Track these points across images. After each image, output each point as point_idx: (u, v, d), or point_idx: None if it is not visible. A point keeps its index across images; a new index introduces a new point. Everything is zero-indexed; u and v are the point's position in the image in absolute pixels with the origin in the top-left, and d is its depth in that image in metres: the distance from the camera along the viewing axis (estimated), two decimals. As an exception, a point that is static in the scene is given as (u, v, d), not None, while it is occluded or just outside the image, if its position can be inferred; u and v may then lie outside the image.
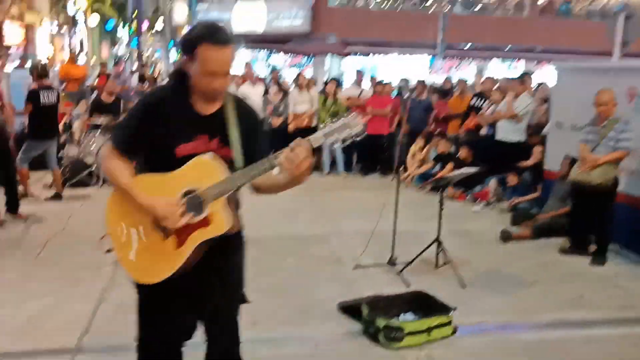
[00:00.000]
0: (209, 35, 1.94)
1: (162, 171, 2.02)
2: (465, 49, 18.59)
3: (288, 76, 18.55)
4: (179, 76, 2.10)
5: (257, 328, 3.63)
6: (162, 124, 2.03)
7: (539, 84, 9.33)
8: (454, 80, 10.72)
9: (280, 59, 20.57)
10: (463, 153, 7.87)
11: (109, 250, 2.11)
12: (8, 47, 24.33)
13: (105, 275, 4.45)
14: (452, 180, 5.41)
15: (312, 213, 6.79)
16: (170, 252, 2.02)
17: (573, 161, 5.79)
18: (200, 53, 1.94)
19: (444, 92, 9.95)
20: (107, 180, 7.26)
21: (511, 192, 7.14)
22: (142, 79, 12.33)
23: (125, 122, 2.18)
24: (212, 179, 1.98)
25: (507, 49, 18.74)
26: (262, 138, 2.22)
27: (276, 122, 9.07)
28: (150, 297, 2.17)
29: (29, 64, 15.18)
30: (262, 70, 19.92)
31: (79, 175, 7.45)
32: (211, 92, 2.02)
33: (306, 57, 19.04)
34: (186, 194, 1.99)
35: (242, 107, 2.16)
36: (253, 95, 9.70)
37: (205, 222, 2.00)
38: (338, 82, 10.38)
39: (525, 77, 8.03)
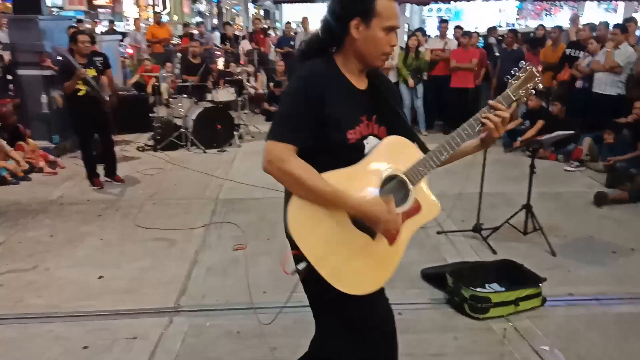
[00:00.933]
0: None
1: (332, 163, 1.73)
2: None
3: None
4: (321, 49, 1.85)
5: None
6: (329, 110, 1.74)
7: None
8: (547, 27, 10.00)
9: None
10: (556, 108, 7.42)
11: (297, 270, 1.77)
12: (97, 8, 25.41)
13: (196, 237, 4.70)
14: (544, 143, 5.12)
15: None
16: (385, 252, 1.80)
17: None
18: (381, 7, 1.74)
19: (535, 41, 9.33)
20: (195, 143, 7.58)
21: (608, 151, 6.68)
22: (224, 38, 12.48)
23: (292, 113, 1.75)
24: (409, 159, 1.82)
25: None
26: (403, 108, 2.05)
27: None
28: (359, 307, 1.84)
29: (119, 28, 15.78)
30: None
31: (169, 137, 7.77)
32: (387, 53, 1.81)
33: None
34: (385, 181, 1.78)
35: (380, 76, 1.95)
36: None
37: (416, 209, 1.84)
38: (422, 33, 10.00)
39: (627, 24, 7.35)
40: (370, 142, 1.83)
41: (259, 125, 9.26)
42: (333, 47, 1.85)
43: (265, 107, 10.30)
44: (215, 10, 28.84)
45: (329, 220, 1.72)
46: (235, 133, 8.14)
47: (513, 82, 1.88)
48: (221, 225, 4.96)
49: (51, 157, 6.91)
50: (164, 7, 32.64)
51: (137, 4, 30.46)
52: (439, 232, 4.75)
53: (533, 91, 1.89)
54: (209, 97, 8.10)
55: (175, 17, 33.58)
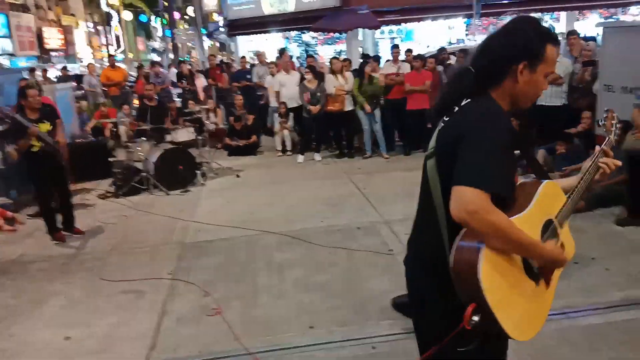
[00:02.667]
0: (551, 34, 1.80)
1: (501, 204, 1.66)
2: (503, 3, 17.82)
3: (322, 53, 18.44)
4: (479, 87, 1.80)
5: (313, 332, 3.71)
6: (513, 153, 1.76)
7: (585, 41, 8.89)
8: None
9: (312, 37, 20.40)
10: (514, 123, 7.62)
11: (473, 321, 1.63)
12: (49, 52, 25.09)
13: (165, 285, 4.62)
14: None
15: (358, 201, 6.78)
16: (544, 296, 1.83)
17: (626, 126, 5.55)
18: (549, 53, 1.77)
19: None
20: (157, 186, 7.49)
21: (561, 161, 6.90)
22: (180, 77, 12.46)
23: (497, 159, 1.63)
24: (558, 203, 1.86)
25: None
26: None
27: (315, 109, 9.04)
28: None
29: (75, 71, 15.58)
30: (295, 51, 19.84)
31: (130, 182, 7.67)
32: (537, 97, 1.85)
33: (338, 33, 18.76)
34: (544, 227, 1.79)
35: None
36: (289, 83, 9.71)
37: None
38: (375, 59, 10.21)
39: (570, 36, 7.69)
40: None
41: (221, 161, 9.24)
42: (490, 86, 1.81)
43: (226, 142, 10.30)
44: (170, 45, 28.86)
45: (513, 271, 1.71)
46: (197, 172, 8.10)
47: (610, 129, 2.14)
48: (189, 271, 4.90)
49: (9, 214, 6.72)
50: (118, 46, 32.47)
51: (90, 45, 30.21)
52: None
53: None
54: (168, 138, 8.05)
55: (131, 55, 33.38)
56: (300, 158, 9.29)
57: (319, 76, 9.62)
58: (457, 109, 1.79)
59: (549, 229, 1.79)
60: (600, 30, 6.78)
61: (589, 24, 17.78)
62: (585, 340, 3.42)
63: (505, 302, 1.66)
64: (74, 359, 3.62)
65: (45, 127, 5.68)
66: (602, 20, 17.58)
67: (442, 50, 10.12)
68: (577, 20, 18.77)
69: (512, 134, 1.69)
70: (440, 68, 7.33)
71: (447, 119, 1.81)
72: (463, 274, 1.63)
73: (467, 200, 1.56)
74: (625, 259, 4.54)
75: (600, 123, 2.08)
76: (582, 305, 3.85)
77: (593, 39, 8.85)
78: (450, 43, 17.32)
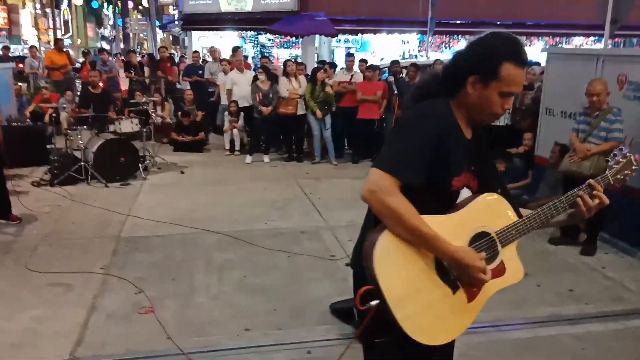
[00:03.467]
0: (515, 55, 1.74)
1: (428, 206, 1.70)
2: (456, 23, 18.36)
3: (277, 56, 18.38)
4: (438, 91, 1.83)
5: (248, 335, 3.65)
6: (445, 152, 1.73)
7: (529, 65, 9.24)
8: (443, 60, 10.60)
9: (268, 39, 20.30)
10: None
11: (369, 306, 1.69)
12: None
13: (96, 280, 4.44)
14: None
15: (303, 205, 6.76)
16: (461, 308, 1.77)
17: (563, 148, 5.79)
18: (504, 72, 1.72)
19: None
20: (96, 177, 7.22)
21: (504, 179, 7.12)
22: (128, 66, 12.09)
23: (413, 147, 1.70)
24: (504, 220, 1.81)
25: (498, 23, 18.55)
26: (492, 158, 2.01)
27: (266, 110, 8.97)
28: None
29: (17, 52, 14.89)
30: (250, 51, 19.69)
31: (67, 170, 7.35)
32: (497, 115, 1.80)
33: (294, 37, 18.77)
34: (476, 238, 1.77)
35: (483, 127, 1.94)
36: (242, 82, 9.60)
37: (501, 270, 1.82)
38: (331, 66, 10.26)
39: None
40: (463, 193, 1.83)
41: (166, 156, 9.01)
42: (450, 93, 1.82)
43: (173, 137, 10.06)
44: (121, 35, 28.02)
45: (416, 264, 1.69)
46: (140, 165, 7.85)
47: (614, 166, 1.96)
48: (123, 265, 4.73)
49: None
50: (66, 31, 31.25)
51: (37, 27, 28.96)
52: (347, 264, 4.81)
53: (627, 179, 1.98)
54: (111, 128, 7.77)
55: (79, 41, 32.23)
56: (249, 159, 9.19)
57: (273, 78, 9.57)
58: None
59: (482, 241, 1.78)
60: (544, 55, 7.04)
61: (535, 50, 18.55)
62: (513, 353, 3.52)
63: (402, 295, 1.66)
64: (-9, 353, 3.40)
65: None
66: (547, 47, 18.39)
67: (395, 62, 10.26)
68: (525, 46, 19.56)
69: (440, 137, 1.71)
70: (391, 79, 7.45)
71: None
72: (365, 252, 1.68)
73: (372, 180, 1.65)
74: (556, 276, 4.72)
75: (610, 162, 1.99)
76: (511, 318, 3.96)
77: (538, 64, 9.19)
78: (403, 57, 17.64)
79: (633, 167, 1.95)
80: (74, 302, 4.07)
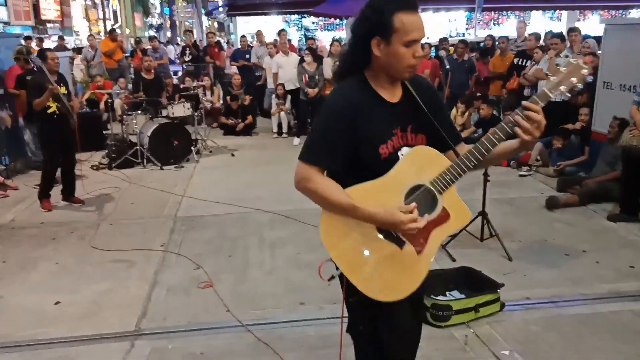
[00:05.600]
0: (400, 2, 1.75)
1: (368, 177, 1.81)
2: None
3: (322, 39, 18.33)
4: (352, 70, 1.90)
5: (304, 308, 3.72)
6: (360, 131, 1.81)
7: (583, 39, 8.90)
8: (494, 37, 10.32)
9: (312, 22, 20.28)
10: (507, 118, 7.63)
11: (332, 277, 1.87)
12: (45, 22, 24.74)
13: (156, 257, 4.62)
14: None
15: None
16: (412, 261, 1.84)
17: (623, 123, 5.59)
18: (398, 23, 1.73)
19: (485, 50, 9.62)
20: (151, 160, 7.47)
21: (557, 156, 6.94)
22: (184, 49, 12.32)
23: (322, 136, 1.85)
24: (435, 168, 1.82)
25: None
26: (445, 109, 2.03)
27: (312, 92, 8.99)
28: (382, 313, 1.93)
29: (71, 45, 15.42)
30: (294, 35, 19.72)
31: (124, 154, 7.62)
32: (413, 65, 1.80)
33: (338, 19, 18.66)
34: (411, 192, 1.81)
35: (418, 82, 1.95)
36: (287, 65, 9.65)
37: (444, 217, 1.84)
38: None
39: (572, 33, 7.70)
40: (404, 152, 1.86)
41: (217, 139, 9.20)
42: (364, 64, 1.87)
43: (222, 120, 10.24)
44: (168, 23, 28.53)
45: (356, 231, 1.81)
46: (192, 148, 8.05)
47: (552, 78, 1.76)
48: (181, 244, 4.89)
49: (0, 179, 6.66)
50: (115, 21, 32.06)
51: (87, 18, 29.82)
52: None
53: (580, 85, 1.74)
54: (164, 112, 7.99)
55: (127, 31, 33.00)
56: (296, 141, 9.26)
57: (319, 59, 9.57)
58: None
59: (417, 193, 1.82)
60: (602, 27, 6.77)
61: (590, 24, 17.81)
62: (572, 328, 3.46)
63: (353, 261, 1.81)
64: (63, 323, 3.60)
65: (62, 90, 5.63)
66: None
67: (444, 40, 10.08)
68: (578, 20, 18.80)
69: (349, 116, 1.80)
70: (443, 53, 7.31)
71: None
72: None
73: (296, 171, 1.85)
74: (614, 253, 4.58)
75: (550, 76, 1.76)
76: (570, 295, 3.89)
77: (592, 37, 8.86)
78: (450, 36, 17.28)
79: (583, 72, 1.72)
80: (136, 277, 4.25)
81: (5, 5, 20.83)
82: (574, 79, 1.73)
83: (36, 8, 23.85)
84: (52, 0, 26.01)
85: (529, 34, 8.81)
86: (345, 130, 1.80)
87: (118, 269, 4.41)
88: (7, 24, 20.89)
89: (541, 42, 8.74)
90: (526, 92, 7.97)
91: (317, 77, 9.08)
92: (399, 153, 1.85)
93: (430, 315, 3.47)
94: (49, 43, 18.12)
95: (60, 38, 16.06)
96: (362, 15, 1.82)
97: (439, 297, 3.54)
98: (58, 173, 6.04)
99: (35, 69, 5.54)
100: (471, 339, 3.34)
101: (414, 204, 1.78)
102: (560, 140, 6.91)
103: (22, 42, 9.75)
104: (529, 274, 4.20)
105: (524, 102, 1.73)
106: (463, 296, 3.62)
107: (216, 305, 3.77)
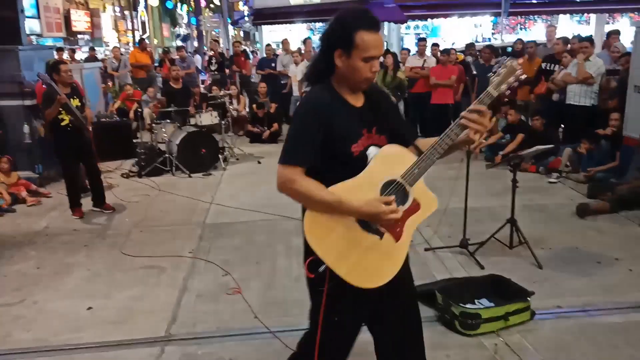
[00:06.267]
0: (364, 22, 1.93)
1: (343, 174, 1.95)
2: (532, 3, 17.58)
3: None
4: (319, 76, 2.07)
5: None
6: (334, 129, 1.97)
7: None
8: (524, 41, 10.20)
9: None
10: (537, 123, 7.53)
11: (318, 272, 1.97)
12: (76, 34, 25.35)
13: (185, 263, 4.68)
14: (525, 158, 5.23)
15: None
16: (391, 249, 2.01)
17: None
18: (359, 40, 1.92)
19: (512, 55, 9.53)
20: (180, 168, 7.59)
21: (587, 162, 6.82)
22: (211, 59, 12.50)
23: (299, 137, 1.99)
24: (404, 164, 1.98)
25: (577, 1, 17.60)
26: (398, 109, 2.27)
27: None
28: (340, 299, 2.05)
29: (100, 54, 15.77)
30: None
31: (153, 162, 7.76)
32: (369, 79, 2.01)
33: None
34: (385, 187, 1.97)
35: (375, 90, 2.16)
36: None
37: (416, 207, 2.01)
38: (406, 52, 10.18)
39: (612, 35, 7.63)
40: (371, 151, 2.02)
41: (243, 147, 9.29)
42: (330, 72, 2.04)
43: (248, 128, 10.34)
44: (195, 33, 28.98)
45: (340, 227, 1.95)
46: (219, 156, 8.15)
47: (494, 79, 1.99)
48: (209, 250, 4.95)
49: (33, 187, 6.84)
50: (144, 31, 32.69)
51: (116, 29, 30.46)
52: (426, 249, 4.80)
53: (516, 83, 2.00)
54: (192, 121, 8.11)
55: (155, 41, 33.59)
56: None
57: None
58: None
59: (390, 187, 1.97)
60: (633, 30, 6.65)
61: (619, 27, 17.49)
62: (605, 337, 3.40)
63: (338, 255, 1.94)
64: (95, 328, 3.68)
65: (75, 102, 5.77)
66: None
67: (470, 45, 10.03)
68: (607, 23, 18.47)
69: (321, 119, 1.94)
70: (469, 59, 7.26)
71: None
72: (303, 232, 1.96)
73: (278, 175, 1.96)
74: (648, 260, 4.48)
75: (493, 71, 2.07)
76: (602, 303, 3.81)
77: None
78: (476, 41, 17.16)
79: (517, 73, 1.96)
80: (166, 283, 4.32)
81: (38, 17, 21.44)
82: (511, 79, 1.97)
83: (67, 20, 24.49)
84: (83, 12, 26.68)
85: (557, 38, 8.70)
86: (321, 130, 1.95)
87: (148, 275, 4.49)
88: (39, 35, 21.48)
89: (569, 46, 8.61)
90: (555, 97, 7.86)
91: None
92: (367, 152, 2.02)
93: (459, 324, 3.44)
94: (80, 54, 18.57)
95: (91, 49, 16.44)
96: (329, 28, 2.00)
97: (468, 305, 3.52)
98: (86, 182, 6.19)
99: (44, 84, 5.70)
100: (501, 348, 3.30)
101: (392, 196, 1.94)
102: (587, 145, 6.80)
103: (55, 53, 10.02)
104: (560, 282, 4.14)
105: (472, 106, 1.96)
106: (492, 304, 3.58)
107: (244, 311, 3.80)
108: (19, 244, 5.30)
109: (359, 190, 1.94)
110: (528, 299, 3.59)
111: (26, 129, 7.16)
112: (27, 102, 7.13)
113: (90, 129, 6.03)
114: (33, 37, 20.34)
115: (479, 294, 3.73)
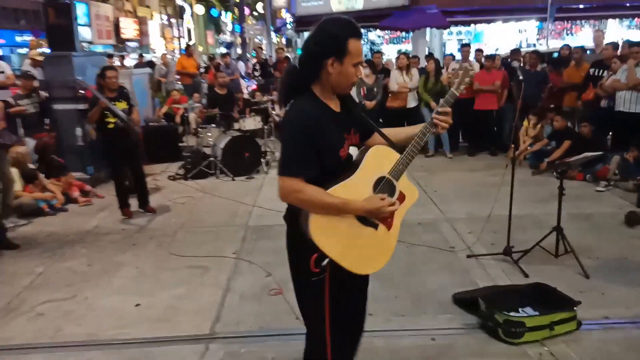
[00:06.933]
0: (353, 31, 2.11)
1: (333, 176, 2.13)
2: (579, 8, 17.11)
3: (387, 53, 18.35)
4: (303, 82, 2.18)
5: (372, 319, 3.73)
6: (324, 138, 2.11)
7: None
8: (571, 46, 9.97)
9: (378, 36, 20.34)
10: (585, 130, 7.35)
11: (323, 267, 2.12)
12: (125, 41, 26.20)
13: (228, 264, 4.78)
14: (573, 165, 5.12)
15: (419, 197, 6.71)
16: (385, 237, 2.24)
17: None
18: (351, 47, 2.09)
19: (559, 61, 9.33)
20: (224, 171, 7.76)
21: (636, 170, 6.61)
22: (255, 65, 12.73)
23: (297, 151, 2.10)
24: (390, 161, 2.21)
25: (627, 5, 17.05)
26: (359, 106, 2.52)
27: (370, 104, 9.01)
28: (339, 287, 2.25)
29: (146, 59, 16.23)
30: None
31: (198, 166, 7.95)
32: (355, 82, 2.20)
33: (404, 32, 18.62)
34: (376, 184, 2.19)
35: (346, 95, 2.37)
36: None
37: (401, 198, 2.25)
38: (450, 57, 10.13)
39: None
40: (351, 150, 2.24)
41: (285, 151, 9.38)
42: (312, 80, 2.18)
43: (290, 133, 10.42)
44: (238, 40, 29.51)
45: (342, 224, 2.14)
46: (262, 160, 8.29)
47: (454, 81, 2.25)
48: (252, 252, 5.04)
49: (87, 187, 7.12)
50: (189, 39, 33.47)
51: (163, 36, 31.29)
52: (469, 256, 4.75)
53: (469, 80, 2.26)
54: (236, 126, 8.28)
55: (200, 48, 34.32)
56: (354, 150, 9.29)
57: (384, 72, 9.62)
58: (287, 109, 2.17)
59: (381, 184, 2.19)
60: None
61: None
62: (655, 350, 3.29)
63: (342, 249, 2.12)
64: (142, 324, 3.80)
65: (122, 105, 5.99)
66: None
67: (515, 51, 9.87)
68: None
69: (311, 130, 2.06)
70: (516, 64, 7.13)
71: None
72: (306, 233, 2.09)
73: (281, 186, 2.08)
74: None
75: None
76: (653, 315, 3.70)
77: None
78: (520, 47, 16.84)
79: (470, 72, 2.23)
80: (210, 283, 4.43)
81: (90, 25, 22.25)
82: (467, 79, 2.23)
83: (117, 28, 25.34)
84: (132, 20, 27.56)
85: (606, 44, 8.47)
86: (313, 141, 2.08)
87: (193, 275, 4.60)
88: (90, 42, 22.28)
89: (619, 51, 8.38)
90: (603, 103, 7.65)
91: (375, 89, 9.11)
92: (349, 152, 2.22)
93: (502, 332, 3.40)
94: (129, 60, 19.20)
95: (140, 56, 16.97)
96: (317, 39, 2.11)
97: (512, 313, 3.47)
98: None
99: (81, 90, 5.97)
100: (546, 358, 3.25)
101: (385, 195, 2.17)
102: (636, 152, 6.59)
103: (106, 59, 10.39)
104: (608, 293, 4.03)
105: (439, 107, 2.23)
106: (537, 313, 3.52)
107: (286, 312, 3.86)
108: (71, 242, 5.52)
109: (356, 190, 2.13)
110: (574, 308, 3.51)
111: (79, 131, 7.46)
112: (80, 106, 7.42)
113: (139, 131, 6.23)
114: (85, 44, 21.14)
115: (524, 302, 3.66)
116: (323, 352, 2.32)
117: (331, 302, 2.24)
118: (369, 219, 2.16)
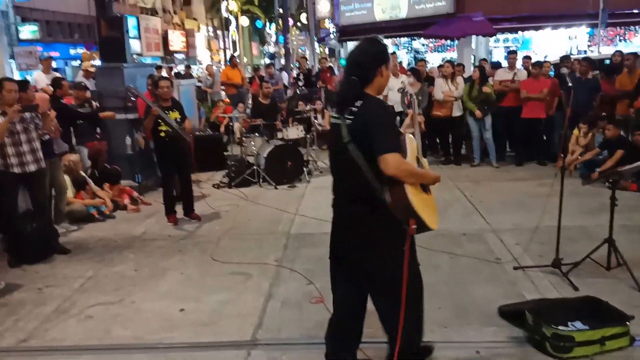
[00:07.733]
0: (386, 47, 2.86)
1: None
2: (633, 13, 16.51)
3: (432, 61, 18.20)
4: (360, 87, 2.71)
5: (416, 330, 3.68)
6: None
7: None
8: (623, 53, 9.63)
9: (422, 44, 20.21)
10: (637, 138, 7.07)
11: (413, 227, 2.59)
12: (172, 53, 26.93)
13: (270, 271, 4.82)
14: (625, 175, 4.93)
15: (463, 207, 6.63)
16: (432, 200, 2.83)
17: None
18: (391, 58, 2.82)
19: (611, 68, 9.02)
20: (267, 179, 7.84)
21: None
22: (298, 75, 12.88)
23: (391, 130, 2.66)
24: (412, 143, 2.82)
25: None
26: None
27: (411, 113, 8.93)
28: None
29: (194, 72, 16.61)
30: (404, 57, 19.75)
31: (242, 174, 8.07)
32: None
33: (449, 40, 18.42)
34: (417, 161, 2.83)
35: None
36: (396, 87, 9.67)
37: None
38: (492, 66, 9.97)
39: None
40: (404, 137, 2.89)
41: (327, 160, 9.37)
42: (367, 85, 2.73)
43: (333, 142, 10.45)
44: (282, 51, 29.88)
45: (415, 190, 2.64)
46: (304, 169, 8.34)
47: (418, 99, 3.01)
48: (294, 260, 5.07)
49: (135, 194, 7.33)
50: (234, 50, 34.11)
51: (209, 47, 32.01)
52: (515, 268, 4.63)
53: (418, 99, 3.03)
54: (279, 135, 8.37)
55: (245, 59, 34.90)
56: (403, 161, 9.25)
57: (428, 80, 9.54)
58: (354, 109, 2.65)
59: (419, 163, 2.84)
60: None
61: None
62: None
63: (422, 210, 2.62)
64: (187, 329, 3.87)
65: (175, 115, 6.16)
66: None
67: (565, 58, 9.62)
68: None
69: (393, 115, 2.75)
70: (565, 70, 6.91)
71: (349, 116, 2.67)
72: (399, 205, 2.57)
73: (390, 161, 2.52)
74: None
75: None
76: None
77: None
78: (570, 53, 16.38)
79: (419, 87, 2.97)
80: (252, 290, 4.47)
81: (139, 38, 23.01)
82: (420, 97, 2.85)
83: (165, 40, 26.10)
84: (179, 33, 28.34)
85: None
86: (395, 126, 2.80)
87: (236, 281, 4.66)
88: (140, 54, 23.02)
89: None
90: (658, 111, 7.35)
91: (420, 97, 9.01)
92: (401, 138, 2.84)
93: (550, 346, 3.30)
94: (176, 71, 19.72)
95: (187, 67, 17.42)
96: (372, 51, 2.74)
97: (560, 327, 3.35)
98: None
99: (132, 96, 6.20)
100: (596, 374, 3.12)
101: (425, 167, 2.91)
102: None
103: (155, 70, 10.70)
104: (664, 308, 3.84)
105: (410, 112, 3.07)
106: (587, 327, 3.39)
107: (327, 320, 3.84)
108: (119, 247, 5.69)
109: (414, 163, 2.75)
110: (627, 323, 3.37)
111: (128, 140, 7.69)
112: (130, 116, 7.66)
113: (191, 140, 6.38)
114: (135, 56, 21.86)
115: (573, 316, 3.53)
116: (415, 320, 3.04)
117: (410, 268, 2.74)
118: (426, 186, 2.74)
